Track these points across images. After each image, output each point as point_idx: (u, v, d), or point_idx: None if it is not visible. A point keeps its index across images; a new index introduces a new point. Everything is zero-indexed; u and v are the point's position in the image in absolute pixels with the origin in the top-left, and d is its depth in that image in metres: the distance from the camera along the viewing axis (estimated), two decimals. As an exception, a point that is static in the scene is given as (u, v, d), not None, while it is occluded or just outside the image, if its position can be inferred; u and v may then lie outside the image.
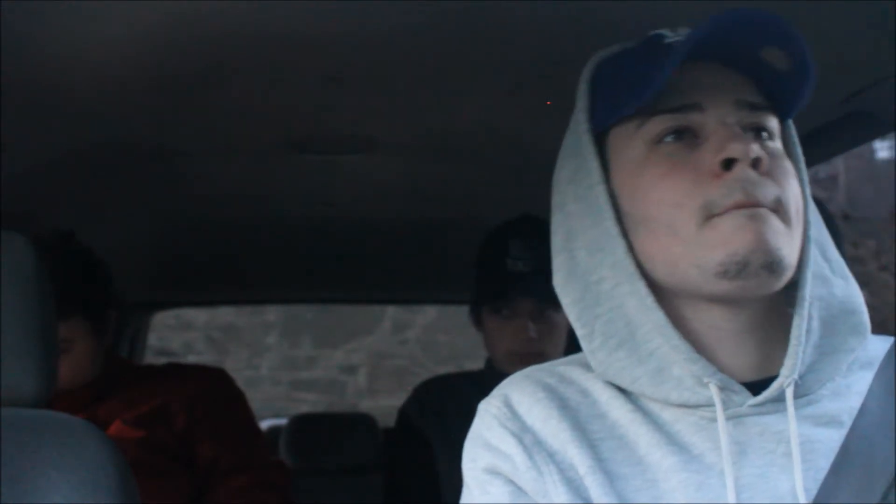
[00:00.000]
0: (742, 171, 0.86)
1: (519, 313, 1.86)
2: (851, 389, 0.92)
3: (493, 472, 0.91)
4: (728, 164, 0.87)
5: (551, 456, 0.90)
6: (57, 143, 1.71)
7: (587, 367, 0.96)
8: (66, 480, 1.15)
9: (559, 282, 0.97)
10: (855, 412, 0.89)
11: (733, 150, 0.86)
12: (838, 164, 6.59)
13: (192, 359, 6.69)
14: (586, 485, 0.88)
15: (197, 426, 1.86)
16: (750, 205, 0.85)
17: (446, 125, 1.74)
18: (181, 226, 2.50)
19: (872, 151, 6.82)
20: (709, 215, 0.87)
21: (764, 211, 0.86)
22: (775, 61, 0.89)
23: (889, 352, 0.92)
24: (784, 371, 0.88)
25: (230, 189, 2.18)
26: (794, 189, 0.90)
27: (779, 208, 0.87)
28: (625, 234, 0.92)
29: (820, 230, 0.96)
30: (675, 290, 0.91)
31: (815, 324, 0.92)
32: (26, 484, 1.14)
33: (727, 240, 0.86)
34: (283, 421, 3.72)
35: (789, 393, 0.88)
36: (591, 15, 1.21)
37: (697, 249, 0.87)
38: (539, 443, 0.90)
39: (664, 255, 0.90)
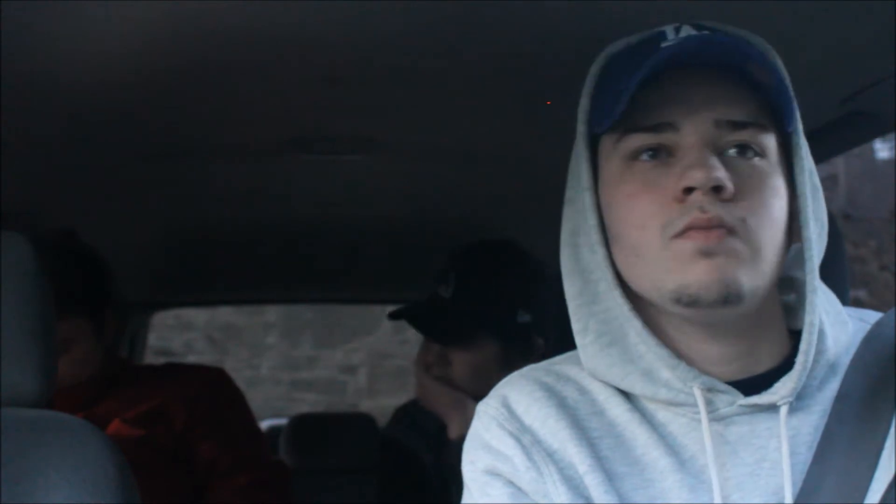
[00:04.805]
0: (700, 196, 0.84)
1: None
2: (838, 376, 0.91)
3: (493, 473, 0.91)
4: (689, 190, 0.85)
5: (550, 455, 0.90)
6: (57, 143, 1.71)
7: None
8: (66, 480, 1.15)
9: (564, 273, 0.97)
10: None
11: (691, 178, 0.84)
12: (838, 164, 6.58)
13: (192, 359, 6.69)
14: (586, 483, 0.88)
15: (196, 426, 1.85)
16: (704, 227, 0.84)
17: (446, 126, 1.74)
18: (181, 225, 2.50)
19: (872, 151, 6.81)
20: (668, 237, 0.86)
21: (717, 241, 0.84)
22: (760, 76, 0.87)
23: (867, 336, 0.92)
24: (783, 392, 0.88)
25: (230, 189, 2.18)
26: (772, 209, 0.87)
27: (741, 230, 0.85)
28: (606, 243, 0.92)
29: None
30: (649, 302, 0.91)
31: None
32: (26, 484, 1.14)
33: (680, 268, 0.85)
34: (283, 421, 3.72)
35: (783, 412, 0.87)
36: (593, 17, 1.20)
37: (655, 272, 0.87)
38: (538, 442, 0.90)
39: (631, 272, 0.90)
